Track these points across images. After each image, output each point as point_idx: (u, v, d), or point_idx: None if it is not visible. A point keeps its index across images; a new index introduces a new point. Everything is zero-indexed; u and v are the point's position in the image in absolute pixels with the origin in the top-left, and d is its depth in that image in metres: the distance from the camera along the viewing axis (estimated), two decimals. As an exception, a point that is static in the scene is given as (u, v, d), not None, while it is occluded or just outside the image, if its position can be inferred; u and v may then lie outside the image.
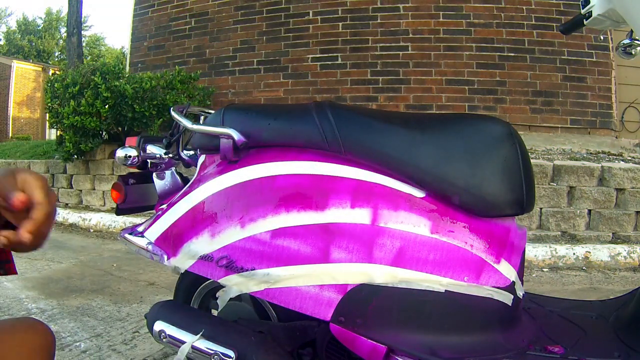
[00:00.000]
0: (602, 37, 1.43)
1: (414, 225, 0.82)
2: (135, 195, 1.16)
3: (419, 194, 0.83)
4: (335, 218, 0.82)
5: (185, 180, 1.15)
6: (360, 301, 0.80)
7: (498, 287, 0.84)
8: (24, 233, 0.50)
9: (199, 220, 0.93)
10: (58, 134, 5.17)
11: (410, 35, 4.63)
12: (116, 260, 3.15)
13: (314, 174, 0.85)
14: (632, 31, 1.06)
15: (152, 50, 5.71)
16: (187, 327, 0.94)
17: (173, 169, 1.18)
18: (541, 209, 3.34)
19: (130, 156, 1.10)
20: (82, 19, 10.04)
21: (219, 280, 0.90)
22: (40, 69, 17.92)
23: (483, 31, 4.52)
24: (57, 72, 5.19)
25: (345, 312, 0.80)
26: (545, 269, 2.99)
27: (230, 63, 5.20)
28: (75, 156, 4.71)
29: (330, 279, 0.81)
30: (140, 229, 1.06)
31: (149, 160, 1.15)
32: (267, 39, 5.05)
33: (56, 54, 25.22)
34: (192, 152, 1.13)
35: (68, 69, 5.31)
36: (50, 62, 22.26)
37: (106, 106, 4.30)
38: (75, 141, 4.48)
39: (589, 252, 3.02)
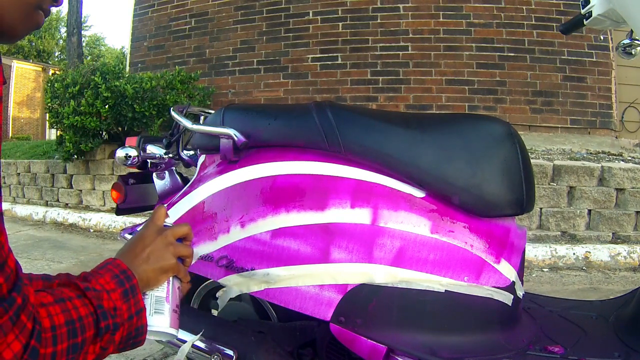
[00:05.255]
0: (602, 37, 1.43)
1: (414, 225, 0.82)
2: (135, 195, 1.16)
3: (419, 194, 0.83)
4: (335, 218, 0.82)
5: (185, 180, 1.15)
6: (360, 301, 0.80)
7: (498, 287, 0.84)
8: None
9: (199, 220, 0.93)
10: (58, 134, 5.17)
11: (410, 35, 4.63)
12: (116, 260, 3.13)
13: (314, 174, 0.85)
14: (632, 31, 1.06)
15: (152, 50, 5.71)
16: (187, 327, 0.94)
17: (173, 169, 1.18)
18: (541, 209, 3.34)
19: (130, 156, 1.10)
20: (82, 19, 10.04)
21: (219, 280, 0.90)
22: (40, 69, 17.92)
23: (483, 31, 4.52)
24: (57, 72, 5.20)
25: (345, 312, 0.80)
26: (545, 269, 2.99)
27: (230, 63, 5.20)
28: (75, 156, 4.71)
29: (330, 279, 0.81)
30: (140, 229, 1.06)
31: (149, 160, 1.15)
32: (267, 39, 5.05)
33: (56, 54, 25.20)
34: (192, 152, 1.13)
35: (68, 69, 5.31)
36: (50, 62, 22.25)
37: (106, 106, 4.30)
38: (75, 141, 4.48)
39: (589, 252, 3.02)
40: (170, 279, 0.66)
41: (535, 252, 3.04)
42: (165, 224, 0.70)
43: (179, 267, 0.67)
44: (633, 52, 1.08)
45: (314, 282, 0.81)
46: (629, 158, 3.87)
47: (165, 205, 0.69)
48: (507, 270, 0.85)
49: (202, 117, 1.22)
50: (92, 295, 0.53)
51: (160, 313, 0.64)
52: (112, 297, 0.55)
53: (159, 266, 0.64)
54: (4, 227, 0.45)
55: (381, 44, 4.69)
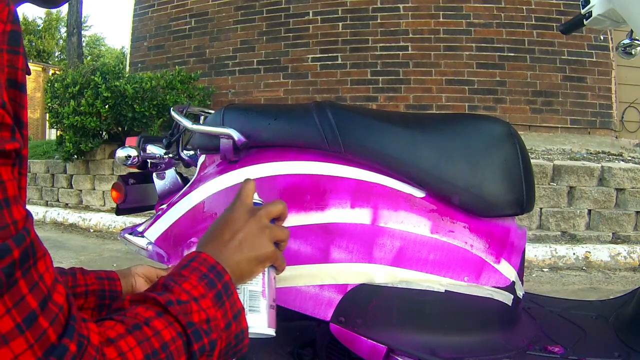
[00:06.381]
0: (602, 37, 1.44)
1: (414, 225, 0.82)
2: (135, 195, 1.16)
3: (419, 194, 0.83)
4: (336, 218, 0.82)
5: (185, 180, 1.15)
6: (360, 301, 0.80)
7: (498, 287, 0.84)
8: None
9: (199, 220, 0.93)
10: (58, 134, 5.18)
11: (410, 35, 4.63)
12: (116, 260, 3.15)
13: (314, 174, 0.85)
14: (632, 31, 1.06)
15: (152, 50, 5.71)
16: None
17: (173, 169, 1.18)
18: (541, 209, 3.34)
19: (130, 156, 1.10)
20: (82, 19, 10.04)
21: (219, 280, 0.89)
22: (40, 69, 17.90)
23: (483, 31, 4.52)
24: (57, 72, 5.20)
25: (345, 312, 0.80)
26: (545, 269, 2.99)
27: (230, 63, 5.20)
28: (75, 156, 4.71)
29: (330, 279, 0.81)
30: (140, 229, 1.06)
31: (149, 160, 1.15)
32: (267, 39, 5.05)
33: (56, 54, 25.20)
34: (192, 152, 1.13)
35: (68, 69, 5.32)
36: (50, 62, 22.25)
37: (106, 106, 4.30)
38: (75, 141, 4.49)
39: (589, 252, 3.02)
40: (266, 269, 0.56)
41: (535, 252, 3.04)
42: (254, 201, 0.58)
43: (277, 254, 0.56)
44: (633, 52, 1.08)
45: (314, 282, 0.81)
46: (629, 158, 3.87)
47: (253, 180, 0.59)
48: (507, 270, 0.85)
49: (202, 117, 1.22)
50: (177, 310, 0.42)
51: (255, 311, 0.54)
52: (202, 306, 0.44)
53: (254, 255, 0.53)
54: (45, 248, 0.35)
55: (381, 44, 4.69)
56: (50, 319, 0.32)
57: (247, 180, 0.59)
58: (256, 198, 0.59)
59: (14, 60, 0.34)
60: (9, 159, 0.32)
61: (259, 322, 0.54)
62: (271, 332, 0.56)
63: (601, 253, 3.02)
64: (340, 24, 4.81)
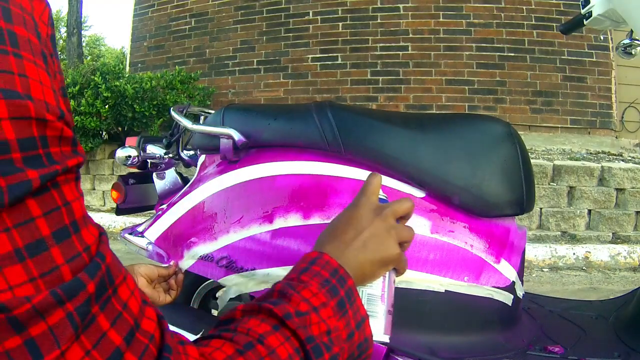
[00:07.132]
0: (602, 37, 1.44)
1: (414, 225, 0.82)
2: (135, 195, 1.16)
3: (419, 194, 0.83)
4: (335, 218, 0.82)
5: (185, 180, 1.15)
6: (360, 301, 0.80)
7: (498, 287, 0.84)
8: None
9: (199, 220, 0.93)
10: (58, 134, 5.18)
11: (410, 35, 4.63)
12: (116, 260, 3.14)
13: (314, 174, 0.85)
14: (632, 31, 1.06)
15: (152, 50, 5.71)
16: (187, 327, 0.94)
17: (173, 169, 1.18)
18: (541, 209, 3.34)
19: (130, 156, 1.10)
20: (82, 19, 10.03)
21: (219, 280, 0.90)
22: (40, 69, 17.90)
23: (483, 31, 4.52)
24: (57, 72, 5.18)
25: (345, 312, 0.80)
26: (545, 269, 2.99)
27: (230, 63, 5.20)
28: (75, 156, 4.71)
29: (330, 279, 0.81)
30: (140, 229, 1.06)
31: (149, 160, 1.15)
32: (267, 39, 5.05)
33: (56, 54, 25.21)
34: (192, 152, 1.13)
35: (68, 69, 5.32)
36: (50, 62, 22.23)
37: (106, 106, 4.30)
38: (75, 141, 4.48)
39: (589, 252, 3.02)
40: (387, 272, 0.52)
41: (535, 252, 3.04)
42: (379, 197, 0.54)
43: (401, 256, 0.51)
44: (633, 52, 1.08)
45: (314, 282, 0.81)
46: (629, 158, 3.87)
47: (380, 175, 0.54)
48: (507, 270, 0.85)
49: (202, 117, 1.22)
50: (296, 324, 0.37)
51: (373, 316, 0.50)
52: (322, 316, 0.40)
53: (379, 257, 0.48)
54: (125, 270, 0.31)
55: (381, 44, 4.69)
56: (139, 354, 0.28)
57: (373, 174, 0.54)
58: (381, 194, 0.55)
59: (60, 65, 0.31)
60: (72, 174, 0.28)
61: (376, 329, 0.50)
62: (386, 339, 0.52)
63: (601, 253, 3.02)
64: (340, 24, 4.81)
